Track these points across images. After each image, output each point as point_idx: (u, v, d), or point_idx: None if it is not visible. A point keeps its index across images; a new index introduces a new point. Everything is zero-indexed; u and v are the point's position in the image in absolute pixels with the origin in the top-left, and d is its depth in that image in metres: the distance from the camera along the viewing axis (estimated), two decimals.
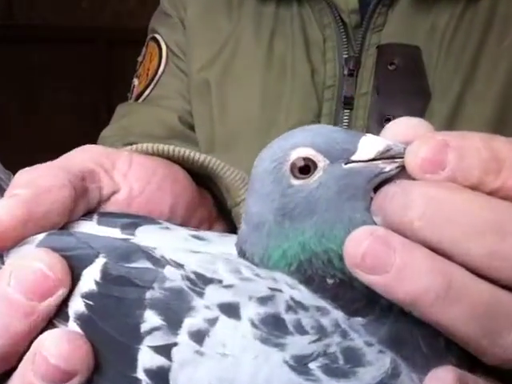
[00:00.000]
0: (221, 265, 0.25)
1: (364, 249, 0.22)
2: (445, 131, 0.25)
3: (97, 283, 0.25)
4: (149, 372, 0.23)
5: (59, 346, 0.23)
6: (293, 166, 0.26)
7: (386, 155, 0.25)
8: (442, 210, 0.23)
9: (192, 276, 0.24)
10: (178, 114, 0.66)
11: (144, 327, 0.23)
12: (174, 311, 0.23)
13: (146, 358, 0.23)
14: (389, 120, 0.59)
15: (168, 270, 0.24)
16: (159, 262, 0.25)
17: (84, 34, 2.50)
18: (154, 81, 0.70)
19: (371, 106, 0.61)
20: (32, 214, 0.26)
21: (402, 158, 0.25)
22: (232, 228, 0.37)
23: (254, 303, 0.23)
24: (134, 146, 0.36)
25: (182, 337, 0.23)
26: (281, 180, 0.26)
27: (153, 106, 0.68)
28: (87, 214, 0.30)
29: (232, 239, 0.29)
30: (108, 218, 0.29)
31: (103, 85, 2.51)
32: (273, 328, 0.22)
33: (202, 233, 0.30)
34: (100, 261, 0.25)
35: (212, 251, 0.27)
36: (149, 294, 0.24)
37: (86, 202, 0.30)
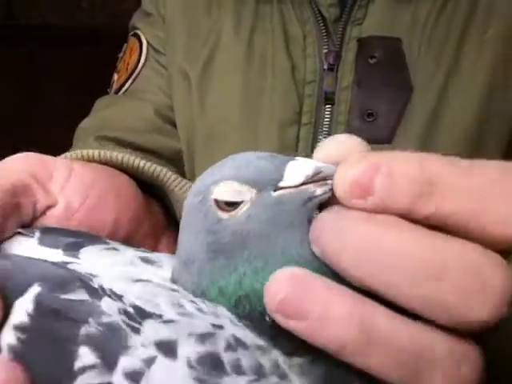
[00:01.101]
0: (163, 297, 0.24)
1: (283, 294, 0.21)
2: (376, 152, 0.24)
3: (29, 315, 0.23)
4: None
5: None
6: (217, 202, 0.24)
7: (316, 178, 0.23)
8: (374, 255, 0.21)
9: (130, 310, 0.23)
10: (155, 107, 0.64)
11: (77, 365, 0.22)
12: (109, 349, 0.22)
13: None
14: (371, 115, 0.59)
15: (105, 303, 0.23)
16: (97, 294, 0.23)
17: (84, 33, 2.49)
18: (134, 74, 0.69)
19: (352, 100, 0.60)
20: None
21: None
22: None
23: (192, 341, 0.22)
24: (80, 152, 0.35)
25: (117, 377, 0.21)
26: (207, 215, 0.24)
27: (132, 99, 0.67)
28: (29, 228, 0.28)
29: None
30: (51, 235, 0.28)
31: (103, 85, 2.51)
32: (210, 368, 0.21)
33: (152, 255, 0.28)
34: (34, 290, 0.23)
35: (159, 278, 0.26)
36: (83, 330, 0.22)
37: (18, 219, 0.28)
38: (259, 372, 0.22)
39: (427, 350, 0.22)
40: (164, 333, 0.22)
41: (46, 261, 0.25)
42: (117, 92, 0.71)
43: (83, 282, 0.24)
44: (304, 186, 0.24)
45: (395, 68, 0.59)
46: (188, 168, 0.64)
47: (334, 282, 0.22)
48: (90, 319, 0.22)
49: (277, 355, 0.22)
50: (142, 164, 0.36)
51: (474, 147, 0.59)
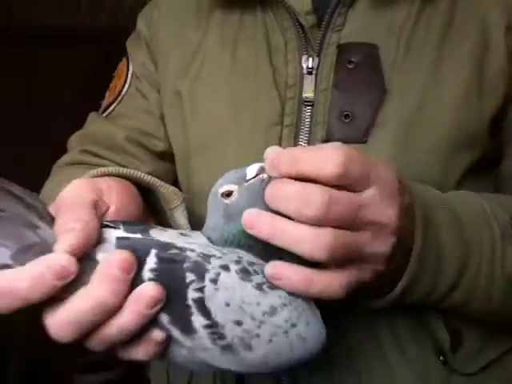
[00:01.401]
0: (210, 248, 0.46)
1: (248, 220, 0.45)
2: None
3: (155, 263, 0.43)
4: (194, 300, 0.43)
5: (152, 287, 0.41)
6: (222, 194, 0.48)
7: (262, 171, 0.47)
8: (282, 197, 0.44)
9: (201, 255, 0.44)
10: (126, 133, 0.75)
11: (188, 279, 0.43)
12: (199, 271, 0.43)
13: (191, 294, 0.43)
14: (347, 116, 0.62)
15: (189, 252, 0.44)
16: (182, 249, 0.44)
17: (84, 33, 2.50)
18: (118, 100, 0.80)
19: (331, 102, 0.63)
20: (87, 238, 0.42)
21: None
22: (163, 225, 0.53)
23: (234, 263, 0.45)
24: (103, 169, 0.52)
25: (206, 282, 0.43)
26: (220, 202, 0.48)
27: (110, 122, 0.77)
28: (113, 221, 0.47)
29: (197, 234, 0.50)
30: (128, 225, 0.46)
31: (103, 85, 2.51)
32: (245, 273, 0.44)
33: (183, 231, 0.50)
34: (153, 251, 0.43)
35: (197, 241, 0.47)
36: (184, 265, 0.43)
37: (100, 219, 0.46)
38: (252, 265, 0.45)
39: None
40: (220, 262, 0.44)
41: (145, 238, 0.45)
42: (104, 111, 0.82)
43: (171, 244, 0.45)
44: (258, 176, 0.47)
45: (371, 72, 0.62)
46: (183, 170, 0.71)
47: (268, 213, 0.45)
48: (186, 260, 0.43)
49: (256, 259, 0.47)
50: (139, 174, 0.54)
51: (450, 153, 0.61)
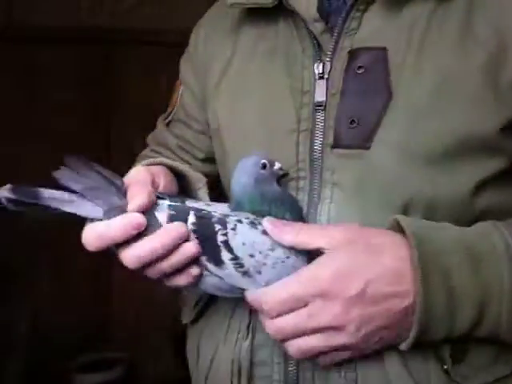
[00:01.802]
0: (227, 211, 0.64)
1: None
2: None
3: (194, 219, 0.61)
4: (222, 242, 0.61)
5: (192, 244, 0.60)
6: (262, 165, 0.64)
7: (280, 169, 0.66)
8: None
9: (222, 215, 0.62)
10: (177, 141, 0.88)
11: (216, 228, 0.61)
12: (223, 223, 0.61)
13: (219, 238, 0.61)
14: (353, 121, 0.62)
15: (214, 213, 0.62)
16: (209, 211, 0.62)
17: (84, 33, 2.50)
18: (173, 110, 0.90)
19: (339, 107, 0.64)
20: (149, 200, 0.60)
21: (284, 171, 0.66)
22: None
23: (244, 219, 0.62)
24: (152, 160, 0.71)
25: (228, 230, 0.61)
26: (257, 169, 0.65)
27: (168, 129, 0.91)
28: (160, 193, 0.64)
29: (217, 204, 0.66)
30: (172, 197, 0.64)
31: (103, 85, 2.52)
32: (252, 224, 0.62)
33: (207, 202, 0.68)
34: (192, 212, 0.62)
35: (217, 208, 0.64)
36: (212, 220, 0.61)
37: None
38: (257, 220, 0.63)
39: None
40: (235, 218, 0.62)
41: (185, 204, 0.63)
42: (166, 117, 0.93)
43: (202, 208, 0.63)
44: (275, 169, 0.66)
45: (378, 77, 0.62)
46: (222, 170, 0.78)
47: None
48: (213, 217, 0.62)
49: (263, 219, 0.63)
50: (175, 164, 0.71)
51: (452, 162, 0.60)
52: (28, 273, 2.53)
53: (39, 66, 2.49)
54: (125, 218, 0.58)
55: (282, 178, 0.67)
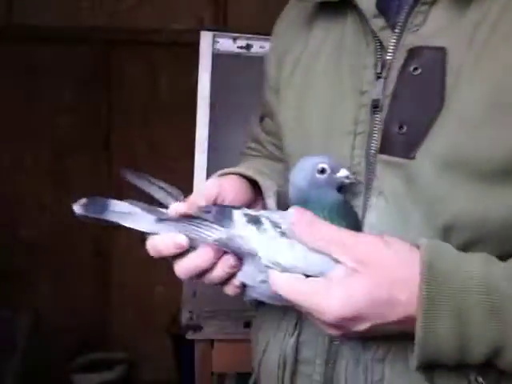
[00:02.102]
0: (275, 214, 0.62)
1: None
2: None
3: (242, 217, 0.61)
4: (270, 221, 0.60)
5: (232, 258, 0.60)
6: (319, 169, 0.61)
7: (345, 177, 0.61)
8: None
9: (269, 219, 0.60)
10: (265, 135, 0.87)
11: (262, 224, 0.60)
12: (272, 221, 0.59)
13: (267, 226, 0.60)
14: (401, 127, 0.58)
15: (264, 221, 0.60)
16: (257, 217, 0.61)
17: (84, 33, 2.50)
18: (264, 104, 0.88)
19: (389, 109, 0.60)
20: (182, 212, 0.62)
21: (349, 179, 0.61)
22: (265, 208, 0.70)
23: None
24: (227, 170, 0.72)
25: (266, 225, 0.59)
26: (314, 172, 0.61)
27: (261, 124, 0.89)
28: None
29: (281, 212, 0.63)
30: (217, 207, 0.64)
31: (103, 85, 2.52)
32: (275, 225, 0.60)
33: (258, 210, 0.68)
34: (240, 211, 0.62)
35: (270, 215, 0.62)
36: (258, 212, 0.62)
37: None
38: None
39: None
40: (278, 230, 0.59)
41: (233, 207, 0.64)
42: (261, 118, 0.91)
43: (256, 215, 0.61)
44: (344, 181, 0.61)
45: (434, 80, 0.57)
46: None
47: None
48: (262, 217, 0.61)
49: None
50: (248, 173, 0.71)
51: (504, 179, 0.54)
52: (28, 273, 2.53)
53: (39, 66, 2.49)
54: (167, 237, 0.60)
55: (348, 186, 0.61)
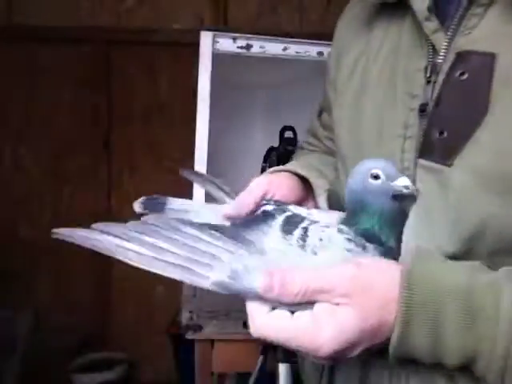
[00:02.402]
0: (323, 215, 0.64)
1: None
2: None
3: (282, 222, 0.60)
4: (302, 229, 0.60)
5: None
6: (372, 175, 0.59)
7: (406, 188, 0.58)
8: None
9: (312, 221, 0.61)
10: (323, 131, 0.88)
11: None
12: (304, 232, 0.59)
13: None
14: (442, 133, 0.57)
15: (307, 219, 0.61)
16: (300, 215, 0.62)
17: (84, 34, 2.50)
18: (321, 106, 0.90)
19: (433, 114, 0.59)
20: (238, 211, 0.67)
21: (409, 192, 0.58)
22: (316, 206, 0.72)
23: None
24: (278, 168, 0.74)
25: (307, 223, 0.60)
26: (367, 178, 0.59)
27: (319, 119, 0.91)
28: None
29: (334, 213, 0.65)
30: (277, 206, 0.66)
31: (103, 85, 2.52)
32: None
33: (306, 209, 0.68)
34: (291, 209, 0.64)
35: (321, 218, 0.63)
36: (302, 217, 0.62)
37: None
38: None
39: None
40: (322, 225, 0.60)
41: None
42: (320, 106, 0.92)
43: (300, 215, 0.63)
44: (402, 191, 0.58)
45: (480, 87, 0.55)
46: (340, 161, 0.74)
47: None
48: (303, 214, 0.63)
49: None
50: (299, 171, 0.73)
51: None
52: (28, 273, 2.53)
53: (39, 66, 2.49)
54: None
55: (406, 196, 0.58)
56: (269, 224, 0.60)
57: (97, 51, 2.51)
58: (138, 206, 0.67)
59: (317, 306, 0.52)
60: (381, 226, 0.58)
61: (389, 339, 0.52)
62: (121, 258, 0.53)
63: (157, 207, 0.65)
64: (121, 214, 2.58)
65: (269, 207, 0.65)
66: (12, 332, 2.27)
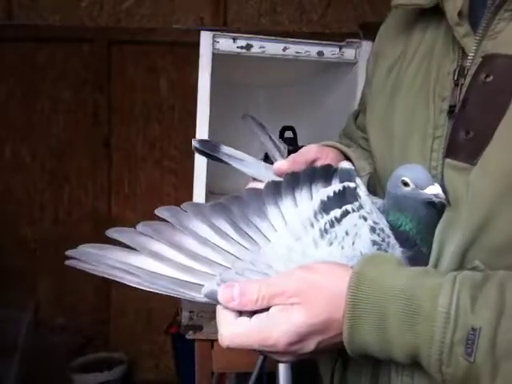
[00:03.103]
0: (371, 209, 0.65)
1: None
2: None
3: (333, 193, 0.65)
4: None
5: None
6: (402, 182, 0.62)
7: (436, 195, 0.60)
8: None
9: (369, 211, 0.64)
10: (359, 132, 0.90)
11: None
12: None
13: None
14: (468, 132, 0.59)
15: (357, 203, 0.65)
16: (356, 191, 0.66)
17: (84, 33, 2.50)
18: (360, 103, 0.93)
19: (458, 115, 0.61)
20: (290, 166, 0.70)
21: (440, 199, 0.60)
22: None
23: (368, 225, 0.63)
24: (329, 142, 0.77)
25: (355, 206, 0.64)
26: (397, 183, 0.62)
27: (355, 120, 0.93)
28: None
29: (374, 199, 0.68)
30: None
31: (103, 84, 2.51)
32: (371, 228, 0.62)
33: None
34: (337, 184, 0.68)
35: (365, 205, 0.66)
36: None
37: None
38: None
39: None
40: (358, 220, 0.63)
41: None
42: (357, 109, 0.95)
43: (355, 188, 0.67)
44: (430, 198, 0.60)
45: (504, 88, 0.57)
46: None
47: None
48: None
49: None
50: (346, 150, 0.76)
51: None
52: (28, 273, 2.53)
53: (39, 66, 2.50)
54: None
55: (438, 205, 0.61)
56: (313, 190, 0.65)
57: (97, 51, 2.51)
58: (196, 143, 0.71)
59: (272, 308, 0.57)
60: (417, 230, 0.62)
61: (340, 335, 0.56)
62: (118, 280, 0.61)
63: (213, 148, 0.71)
64: (120, 213, 2.58)
65: (346, 165, 0.70)
66: (12, 332, 2.27)
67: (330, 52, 1.40)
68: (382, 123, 0.74)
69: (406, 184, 0.61)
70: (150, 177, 2.57)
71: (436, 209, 0.61)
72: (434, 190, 0.59)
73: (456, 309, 0.52)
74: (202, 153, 0.71)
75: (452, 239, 0.59)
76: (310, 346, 0.57)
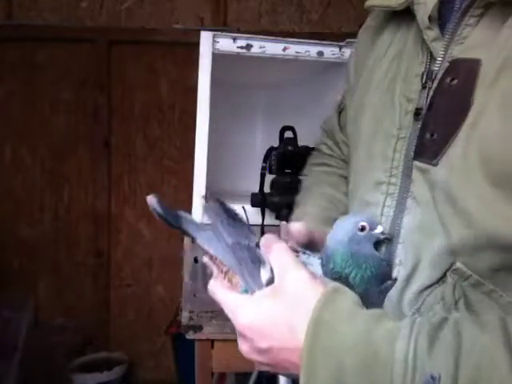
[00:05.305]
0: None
1: None
2: None
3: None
4: None
5: None
6: (359, 227, 0.64)
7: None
8: None
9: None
10: (341, 134, 0.90)
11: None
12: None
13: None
14: (432, 135, 0.60)
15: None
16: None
17: (84, 33, 2.50)
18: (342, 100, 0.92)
19: (424, 118, 0.62)
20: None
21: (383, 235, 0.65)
22: None
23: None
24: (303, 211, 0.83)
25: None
26: (354, 229, 0.65)
27: (338, 115, 0.93)
28: None
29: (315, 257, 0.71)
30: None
31: (103, 84, 2.52)
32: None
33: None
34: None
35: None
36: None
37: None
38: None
39: None
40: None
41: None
42: (340, 104, 0.93)
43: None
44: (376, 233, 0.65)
45: (465, 92, 0.58)
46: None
47: None
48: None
49: None
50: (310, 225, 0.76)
51: None
52: (28, 273, 2.53)
53: (39, 66, 2.50)
54: None
55: (382, 242, 0.66)
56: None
57: (97, 51, 2.51)
58: (155, 205, 0.65)
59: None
60: (362, 275, 0.64)
61: (295, 358, 0.56)
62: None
63: (172, 218, 0.65)
64: (120, 213, 2.58)
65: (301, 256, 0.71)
66: (12, 332, 2.27)
67: (330, 52, 1.41)
68: (354, 123, 0.75)
69: (362, 229, 0.65)
70: (149, 177, 2.57)
71: (379, 246, 0.66)
72: (380, 229, 0.65)
73: (414, 356, 0.50)
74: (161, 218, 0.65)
75: (429, 244, 0.59)
76: (265, 343, 0.58)
